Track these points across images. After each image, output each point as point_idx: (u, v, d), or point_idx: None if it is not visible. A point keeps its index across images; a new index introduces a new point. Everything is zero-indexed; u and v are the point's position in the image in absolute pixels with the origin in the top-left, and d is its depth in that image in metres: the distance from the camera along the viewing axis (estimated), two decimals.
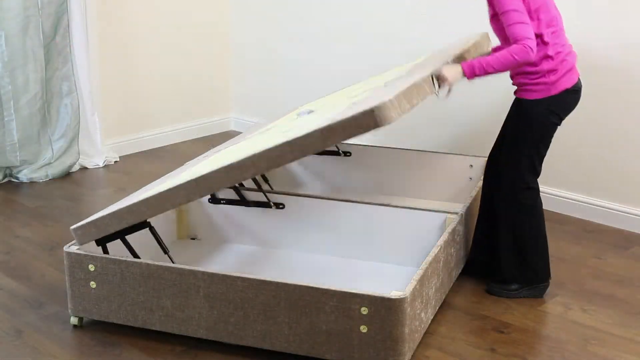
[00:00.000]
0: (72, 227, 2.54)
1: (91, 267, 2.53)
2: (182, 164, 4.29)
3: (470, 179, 3.44)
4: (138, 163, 4.38)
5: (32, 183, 4.04)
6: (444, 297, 2.74)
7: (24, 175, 4.07)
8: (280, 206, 3.05)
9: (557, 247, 3.25)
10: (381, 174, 3.60)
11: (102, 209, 3.67)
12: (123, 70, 4.45)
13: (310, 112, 2.97)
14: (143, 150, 4.59)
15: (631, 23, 3.30)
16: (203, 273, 2.41)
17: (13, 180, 4.07)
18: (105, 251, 2.57)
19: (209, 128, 4.90)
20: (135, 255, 2.57)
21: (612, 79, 3.40)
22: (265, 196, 3.05)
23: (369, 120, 2.20)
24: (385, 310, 2.26)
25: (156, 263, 2.46)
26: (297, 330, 2.36)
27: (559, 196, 3.61)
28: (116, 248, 2.61)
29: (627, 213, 3.43)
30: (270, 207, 3.05)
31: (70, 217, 3.59)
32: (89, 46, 4.18)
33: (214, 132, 4.91)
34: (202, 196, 2.43)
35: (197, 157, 3.22)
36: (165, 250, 2.59)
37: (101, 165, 4.32)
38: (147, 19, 4.50)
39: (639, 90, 3.34)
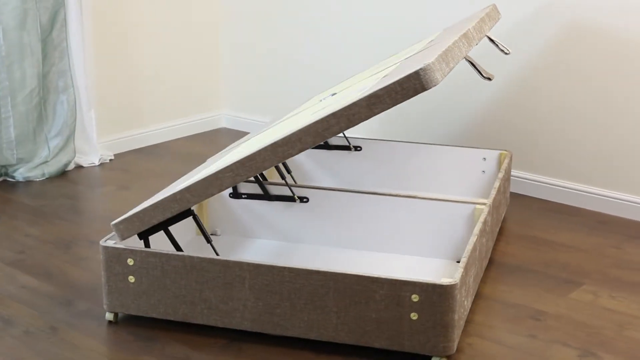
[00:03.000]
0: (113, 222, 2.49)
1: (130, 261, 2.48)
2: (179, 162, 4.26)
3: (484, 172, 3.46)
4: (134, 161, 4.31)
5: (28, 182, 3.96)
6: (477, 287, 2.77)
7: (20, 174, 3.98)
8: (305, 200, 3.04)
9: (573, 237, 3.30)
10: (391, 168, 3.60)
11: (107, 206, 3.66)
12: (117, 67, 4.39)
13: (334, 94, 2.95)
14: (136, 148, 4.53)
15: None
16: (249, 264, 2.39)
17: (8, 179, 3.99)
18: (147, 244, 2.53)
19: (201, 125, 4.86)
20: (178, 247, 2.53)
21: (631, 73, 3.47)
22: (290, 190, 3.04)
23: (415, 82, 2.19)
24: (437, 296, 2.27)
25: (199, 255, 2.43)
26: (345, 319, 2.36)
27: (569, 188, 3.65)
28: (154, 242, 2.58)
29: None
30: (295, 200, 3.04)
31: (76, 215, 3.53)
32: (85, 41, 4.11)
33: (206, 130, 4.87)
34: (248, 177, 2.39)
35: (218, 154, 3.19)
36: (208, 239, 2.55)
37: (97, 163, 4.24)
38: (141, 16, 4.45)
39: None
